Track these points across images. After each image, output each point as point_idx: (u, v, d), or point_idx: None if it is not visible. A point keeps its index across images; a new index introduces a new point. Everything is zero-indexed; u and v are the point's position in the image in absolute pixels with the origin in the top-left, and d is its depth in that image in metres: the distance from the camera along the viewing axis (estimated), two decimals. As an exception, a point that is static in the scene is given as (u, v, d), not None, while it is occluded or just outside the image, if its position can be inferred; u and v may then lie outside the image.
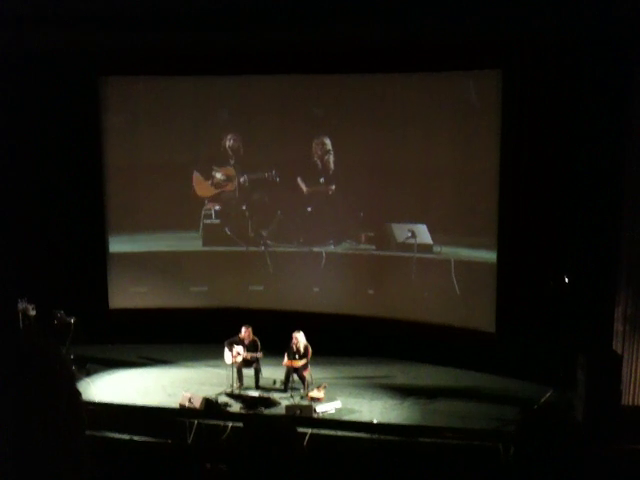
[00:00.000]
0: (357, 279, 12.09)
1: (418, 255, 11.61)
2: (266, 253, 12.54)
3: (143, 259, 12.49)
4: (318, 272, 12.28)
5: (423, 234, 11.56)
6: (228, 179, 12.51)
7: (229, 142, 12.35)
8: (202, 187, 12.56)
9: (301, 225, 12.38)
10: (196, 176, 12.53)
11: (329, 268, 12.26)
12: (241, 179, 12.46)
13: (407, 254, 11.72)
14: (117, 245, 12.41)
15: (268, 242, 12.57)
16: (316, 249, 12.31)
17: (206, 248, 12.69)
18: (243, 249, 12.60)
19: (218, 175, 12.47)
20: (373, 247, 12.08)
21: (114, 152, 12.10)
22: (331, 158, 12.04)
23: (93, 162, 11.99)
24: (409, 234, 11.70)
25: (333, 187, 12.18)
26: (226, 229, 12.65)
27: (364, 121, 11.45)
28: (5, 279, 10.86)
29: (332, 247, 12.31)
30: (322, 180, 12.16)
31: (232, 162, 12.40)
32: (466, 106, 10.68)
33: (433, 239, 11.45)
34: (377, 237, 12.03)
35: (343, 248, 12.27)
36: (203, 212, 12.60)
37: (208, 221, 12.70)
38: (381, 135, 11.41)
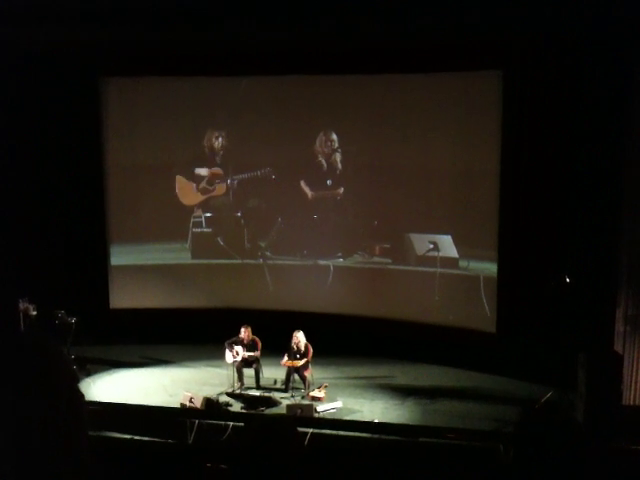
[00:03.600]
0: (370, 297, 11.14)
1: (441, 270, 10.59)
2: (265, 266, 11.58)
3: (132, 272, 11.99)
4: (325, 289, 11.31)
5: (447, 246, 10.52)
6: (214, 182, 11.54)
7: (217, 141, 11.60)
8: (186, 193, 11.62)
9: (305, 234, 11.39)
10: (180, 181, 11.56)
11: (337, 284, 11.24)
12: (229, 181, 11.55)
13: (429, 269, 10.68)
14: (117, 253, 12.13)
15: (267, 254, 11.54)
16: (322, 262, 11.30)
17: (195, 261, 11.70)
18: (238, 262, 11.66)
19: (203, 179, 11.45)
20: (389, 260, 11.05)
21: (114, 152, 12.05)
22: (338, 157, 11.12)
23: (94, 162, 11.98)
24: (431, 246, 10.61)
25: (341, 191, 11.16)
26: (218, 239, 11.61)
27: (365, 122, 11.23)
28: (6, 279, 10.86)
29: (341, 260, 11.22)
30: (329, 182, 11.16)
31: (218, 161, 11.63)
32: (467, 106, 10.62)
33: (459, 252, 10.50)
34: (394, 249, 10.97)
35: (354, 261, 11.21)
36: (192, 220, 11.63)
37: (198, 230, 11.57)
38: (389, 135, 11.00)
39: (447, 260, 10.61)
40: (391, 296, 11.20)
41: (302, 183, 11.47)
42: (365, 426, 8.42)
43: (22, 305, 10.41)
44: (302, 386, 9.67)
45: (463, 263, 10.58)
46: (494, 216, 10.35)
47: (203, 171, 11.78)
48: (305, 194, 11.53)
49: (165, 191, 11.99)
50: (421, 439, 8.12)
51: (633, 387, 8.76)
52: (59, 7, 8.65)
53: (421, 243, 10.79)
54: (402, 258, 11.03)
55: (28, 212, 11.63)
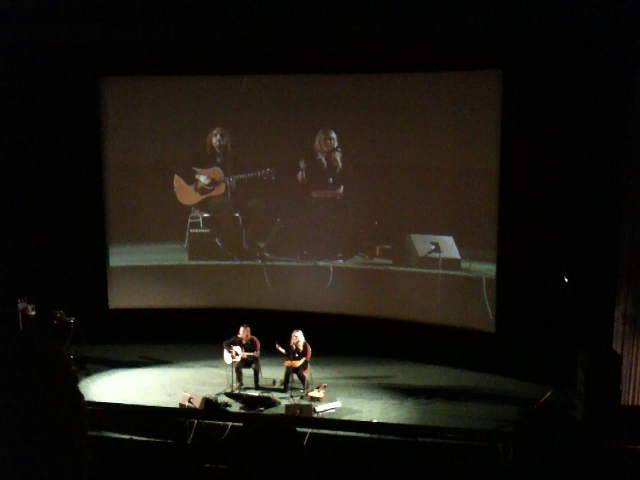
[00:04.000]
0: (370, 299, 11.04)
1: (443, 272, 10.47)
2: (263, 268, 11.43)
3: (131, 273, 11.91)
4: (324, 290, 11.17)
5: (449, 247, 10.41)
6: (214, 182, 11.39)
7: (216, 140, 11.47)
8: (184, 193, 11.49)
9: (304, 235, 11.26)
10: (178, 180, 11.42)
11: (337, 286, 11.09)
12: (228, 181, 11.39)
13: (430, 270, 10.55)
14: (116, 254, 12.10)
15: (266, 255, 11.37)
16: (322, 263, 11.16)
17: (193, 262, 11.57)
18: (237, 263, 11.53)
19: (202, 178, 11.31)
20: (390, 262, 10.91)
21: (114, 152, 12.04)
22: (338, 156, 11.01)
23: (93, 162, 11.97)
24: (432, 247, 10.47)
25: (341, 190, 11.01)
26: (216, 240, 11.46)
27: (365, 121, 11.19)
28: (5, 279, 10.85)
29: (341, 261, 11.08)
30: (329, 181, 11.00)
31: (218, 161, 11.54)
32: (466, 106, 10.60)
33: (461, 253, 10.39)
34: (394, 250, 10.83)
35: (354, 262, 11.06)
36: (189, 220, 11.50)
37: (195, 230, 11.44)
38: (389, 135, 10.93)
39: (449, 261, 10.51)
40: (392, 298, 11.09)
41: (299, 175, 11.25)
42: (364, 426, 8.42)
43: (21, 305, 10.41)
44: (301, 386, 9.66)
45: (465, 264, 10.49)
46: (494, 216, 10.35)
47: (202, 171, 11.73)
48: (304, 193, 11.38)
49: (165, 191, 11.96)
50: (420, 439, 8.11)
51: (632, 387, 8.76)
52: (59, 7, 8.66)
53: (422, 244, 10.67)
54: (403, 259, 10.92)
55: (28, 212, 11.62)
